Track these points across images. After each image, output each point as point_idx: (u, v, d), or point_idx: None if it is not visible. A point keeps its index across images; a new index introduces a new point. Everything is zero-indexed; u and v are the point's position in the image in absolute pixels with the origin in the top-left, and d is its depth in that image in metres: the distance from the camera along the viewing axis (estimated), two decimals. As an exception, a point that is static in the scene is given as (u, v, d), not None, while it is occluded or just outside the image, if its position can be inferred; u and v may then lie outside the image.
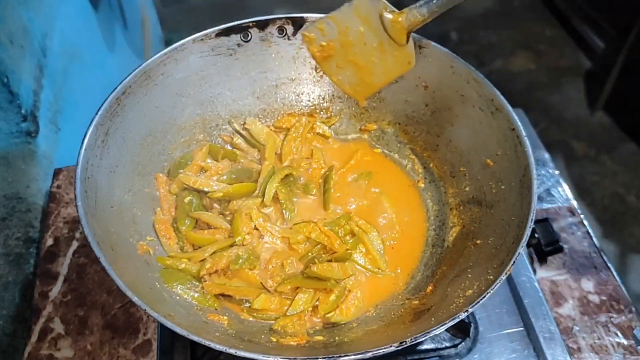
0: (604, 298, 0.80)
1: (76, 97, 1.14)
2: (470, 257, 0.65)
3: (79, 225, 0.87)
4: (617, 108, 2.30)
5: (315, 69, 0.81)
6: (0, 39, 0.83)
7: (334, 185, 0.77)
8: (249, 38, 0.77)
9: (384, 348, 0.48)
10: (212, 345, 0.48)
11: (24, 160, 0.92)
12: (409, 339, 0.49)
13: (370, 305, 0.67)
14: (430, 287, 0.66)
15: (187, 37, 0.73)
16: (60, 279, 0.82)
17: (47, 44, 1.03)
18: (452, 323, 0.50)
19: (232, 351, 0.48)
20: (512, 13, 2.89)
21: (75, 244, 0.86)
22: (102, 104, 0.64)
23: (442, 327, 0.50)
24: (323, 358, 0.47)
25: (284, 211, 0.72)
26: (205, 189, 0.71)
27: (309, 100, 0.84)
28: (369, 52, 0.66)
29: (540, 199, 0.92)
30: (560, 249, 0.80)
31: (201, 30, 0.73)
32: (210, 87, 0.78)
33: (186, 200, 0.71)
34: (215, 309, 0.63)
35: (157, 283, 0.62)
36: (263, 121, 0.83)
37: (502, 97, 0.67)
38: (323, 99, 0.84)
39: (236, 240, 0.68)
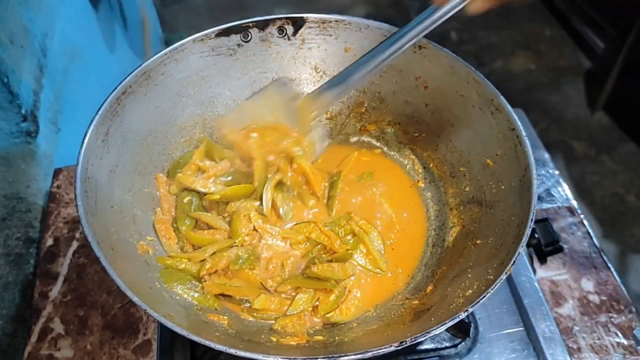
0: (604, 298, 0.80)
1: (76, 97, 1.14)
2: (470, 257, 0.65)
3: (79, 225, 0.87)
4: (617, 108, 2.30)
5: (315, 69, 0.81)
6: (0, 38, 0.83)
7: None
8: (249, 38, 0.77)
9: (384, 348, 0.48)
10: (212, 345, 0.48)
11: (24, 160, 0.92)
12: (409, 339, 0.49)
13: (371, 305, 0.67)
14: (430, 287, 0.66)
15: (187, 37, 0.73)
16: (60, 279, 0.82)
17: (47, 44, 1.03)
18: (452, 323, 0.50)
19: (232, 351, 0.48)
20: (512, 13, 2.89)
21: (75, 244, 0.86)
22: (102, 104, 0.64)
23: (442, 327, 0.50)
24: (323, 358, 0.47)
25: (282, 212, 0.72)
26: (203, 190, 0.71)
27: (309, 100, 0.84)
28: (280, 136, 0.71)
29: (540, 199, 0.92)
30: (560, 249, 0.80)
31: (201, 31, 0.73)
32: (211, 87, 0.78)
33: (185, 200, 0.71)
34: (216, 309, 0.63)
35: (157, 283, 0.62)
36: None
37: (502, 97, 0.67)
38: (323, 99, 0.84)
39: (236, 241, 0.68)
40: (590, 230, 0.88)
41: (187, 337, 0.48)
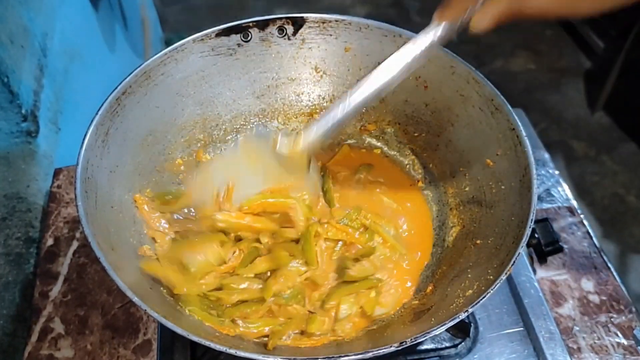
0: (604, 298, 0.80)
1: (76, 97, 1.14)
2: (470, 257, 0.65)
3: (79, 225, 0.87)
4: (617, 108, 2.30)
5: (316, 69, 0.81)
6: (0, 38, 0.83)
7: (333, 184, 0.77)
8: (249, 38, 0.77)
9: (384, 348, 0.48)
10: (212, 345, 0.48)
11: (24, 160, 0.92)
12: (409, 339, 0.49)
13: (405, 290, 0.68)
14: (430, 287, 0.66)
15: (187, 37, 0.73)
16: (61, 278, 0.82)
17: (47, 44, 1.03)
18: (452, 323, 0.50)
19: (232, 351, 0.48)
20: (512, 13, 2.88)
21: (75, 244, 0.86)
22: (102, 104, 0.64)
23: (442, 327, 0.50)
24: (323, 358, 0.47)
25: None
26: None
27: (309, 100, 0.84)
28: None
29: (540, 199, 0.92)
30: (560, 249, 0.80)
31: (201, 30, 0.73)
32: (211, 87, 0.78)
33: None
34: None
35: (157, 283, 0.62)
36: (263, 125, 0.83)
37: (502, 97, 0.67)
38: (323, 99, 0.84)
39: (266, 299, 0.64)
40: (590, 230, 0.88)
41: (187, 337, 0.48)
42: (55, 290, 0.81)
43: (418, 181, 0.80)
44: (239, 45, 0.77)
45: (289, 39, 0.78)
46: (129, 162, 0.68)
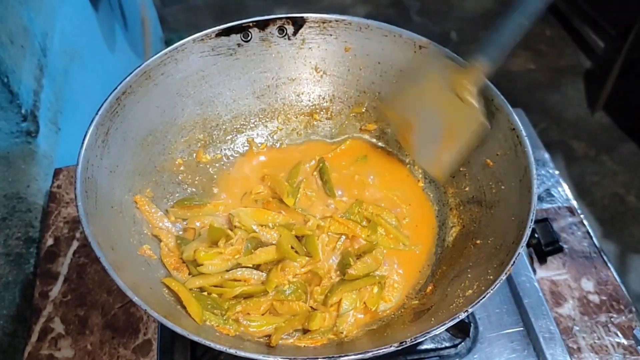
0: (604, 298, 0.80)
1: (76, 97, 1.14)
2: (470, 257, 0.65)
3: (79, 225, 0.87)
4: (617, 108, 2.30)
5: (316, 69, 0.81)
6: (0, 38, 0.83)
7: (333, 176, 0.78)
8: (249, 38, 0.77)
9: (384, 348, 0.48)
10: (212, 345, 0.48)
11: (24, 160, 0.92)
12: (409, 339, 0.49)
13: (409, 284, 0.68)
14: (430, 287, 0.66)
15: (187, 37, 0.73)
16: (61, 278, 0.82)
17: (47, 44, 1.03)
18: (452, 323, 0.50)
19: (232, 351, 0.48)
20: (512, 13, 2.88)
21: (75, 244, 0.86)
22: (103, 104, 0.64)
23: (442, 327, 0.50)
24: (323, 358, 0.47)
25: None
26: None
27: (309, 100, 0.84)
28: (441, 119, 0.68)
29: (540, 199, 0.92)
30: (560, 249, 0.80)
31: (201, 30, 0.73)
32: (211, 87, 0.78)
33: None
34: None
35: (157, 283, 0.62)
36: (263, 124, 0.83)
37: (502, 97, 0.67)
38: (323, 98, 0.84)
39: (268, 290, 0.64)
40: (590, 230, 0.88)
41: (187, 337, 0.48)
42: (55, 290, 0.81)
43: (418, 181, 0.80)
44: (239, 45, 0.77)
45: (289, 38, 0.78)
46: (129, 162, 0.68)
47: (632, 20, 2.07)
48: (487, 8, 2.90)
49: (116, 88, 0.66)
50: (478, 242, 0.66)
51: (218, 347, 0.48)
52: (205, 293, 0.64)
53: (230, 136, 0.82)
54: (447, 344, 0.68)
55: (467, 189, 0.73)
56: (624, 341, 0.75)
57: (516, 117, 0.65)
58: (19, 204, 0.91)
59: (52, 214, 0.91)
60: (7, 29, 0.86)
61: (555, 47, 2.67)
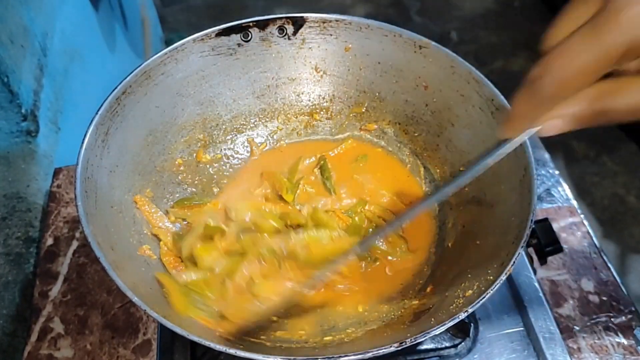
0: (604, 298, 0.80)
1: (76, 97, 1.14)
2: (470, 257, 0.65)
3: (79, 225, 0.87)
4: (617, 108, 2.29)
5: (316, 68, 0.81)
6: (0, 38, 0.83)
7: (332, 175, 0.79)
8: (249, 38, 0.77)
9: (384, 348, 0.48)
10: (213, 345, 0.48)
11: (24, 159, 0.92)
12: (409, 339, 0.49)
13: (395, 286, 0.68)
14: (430, 288, 0.66)
15: (187, 36, 0.73)
16: (60, 278, 0.82)
17: (47, 44, 1.03)
18: (452, 323, 0.50)
19: (232, 351, 0.48)
20: (512, 13, 2.89)
21: (75, 244, 0.87)
22: (102, 104, 0.64)
23: (442, 328, 0.50)
24: (323, 358, 0.47)
25: None
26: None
27: (309, 100, 0.84)
28: None
29: (540, 199, 0.92)
30: (560, 249, 0.80)
31: (201, 30, 0.73)
32: (211, 86, 0.78)
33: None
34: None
35: (157, 283, 0.62)
36: (263, 124, 0.83)
37: (502, 97, 0.67)
38: (323, 98, 0.84)
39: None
40: (590, 230, 0.88)
41: (187, 337, 0.48)
42: (55, 290, 0.81)
43: (418, 181, 0.80)
44: (239, 45, 0.77)
45: (289, 38, 0.78)
46: (129, 162, 0.68)
47: (632, 20, 2.07)
48: (487, 8, 2.90)
49: (116, 88, 0.66)
50: (478, 242, 0.65)
51: (218, 347, 0.48)
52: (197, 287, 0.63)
53: (230, 136, 0.82)
54: (447, 344, 0.68)
55: (467, 189, 0.73)
56: (624, 341, 0.75)
57: (516, 117, 0.65)
58: (19, 203, 0.91)
59: (51, 213, 0.91)
60: (7, 29, 0.86)
61: (555, 47, 2.67)
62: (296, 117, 0.84)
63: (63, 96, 1.07)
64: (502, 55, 2.63)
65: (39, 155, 0.94)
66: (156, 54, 0.71)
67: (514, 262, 0.54)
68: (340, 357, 0.47)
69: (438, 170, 0.78)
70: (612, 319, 0.77)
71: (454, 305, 0.56)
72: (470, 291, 0.57)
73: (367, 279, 0.68)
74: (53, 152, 0.98)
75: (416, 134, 0.81)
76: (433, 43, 0.72)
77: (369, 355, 0.48)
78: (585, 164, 2.16)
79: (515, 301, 0.75)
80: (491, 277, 0.55)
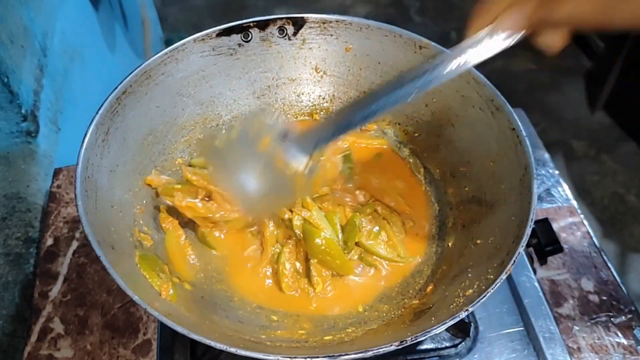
0: (604, 298, 0.80)
1: (76, 97, 1.14)
2: (470, 257, 0.65)
3: (79, 225, 0.87)
4: (617, 108, 2.29)
5: (316, 69, 0.81)
6: (0, 38, 0.83)
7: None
8: (249, 38, 0.77)
9: (384, 347, 0.48)
10: (213, 344, 0.48)
11: (24, 159, 0.92)
12: (409, 339, 0.49)
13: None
14: (431, 287, 0.66)
15: (188, 36, 0.73)
16: (60, 278, 0.82)
17: (47, 44, 1.03)
18: (452, 322, 0.50)
19: (232, 350, 0.48)
20: (512, 13, 2.88)
21: (75, 244, 0.87)
22: (103, 104, 0.64)
23: (442, 327, 0.50)
24: (323, 357, 0.47)
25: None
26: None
27: (309, 101, 0.84)
28: None
29: (540, 199, 0.92)
30: (560, 249, 0.80)
31: (202, 30, 0.73)
32: (211, 86, 0.78)
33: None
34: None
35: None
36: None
37: (502, 97, 0.67)
38: (323, 99, 0.84)
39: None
40: (590, 230, 0.88)
41: (187, 336, 0.48)
42: (55, 290, 0.81)
43: (420, 181, 0.80)
44: (239, 45, 0.77)
45: (289, 39, 0.78)
46: (129, 162, 0.68)
47: (632, 20, 2.07)
48: (487, 8, 2.90)
49: (116, 88, 0.66)
50: (478, 242, 0.66)
51: (218, 345, 0.48)
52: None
53: (231, 136, 0.82)
54: (447, 344, 0.68)
55: (467, 188, 0.73)
56: (624, 341, 0.75)
57: (516, 117, 0.65)
58: (19, 203, 0.91)
59: (51, 213, 0.91)
60: (7, 29, 0.86)
61: (555, 47, 2.67)
62: (296, 118, 0.84)
63: (63, 96, 1.07)
64: (502, 55, 2.62)
65: (39, 156, 0.94)
66: (156, 54, 0.71)
67: (514, 261, 0.54)
68: (340, 355, 0.47)
69: (438, 170, 0.78)
70: (612, 319, 0.77)
71: (454, 304, 0.56)
72: (470, 290, 0.57)
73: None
74: (53, 152, 0.98)
75: (416, 134, 0.81)
76: (433, 43, 0.72)
77: (370, 354, 0.48)
78: (585, 163, 2.16)
79: (515, 301, 0.75)
80: (491, 277, 0.55)
